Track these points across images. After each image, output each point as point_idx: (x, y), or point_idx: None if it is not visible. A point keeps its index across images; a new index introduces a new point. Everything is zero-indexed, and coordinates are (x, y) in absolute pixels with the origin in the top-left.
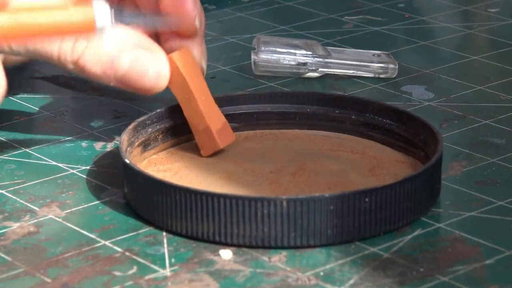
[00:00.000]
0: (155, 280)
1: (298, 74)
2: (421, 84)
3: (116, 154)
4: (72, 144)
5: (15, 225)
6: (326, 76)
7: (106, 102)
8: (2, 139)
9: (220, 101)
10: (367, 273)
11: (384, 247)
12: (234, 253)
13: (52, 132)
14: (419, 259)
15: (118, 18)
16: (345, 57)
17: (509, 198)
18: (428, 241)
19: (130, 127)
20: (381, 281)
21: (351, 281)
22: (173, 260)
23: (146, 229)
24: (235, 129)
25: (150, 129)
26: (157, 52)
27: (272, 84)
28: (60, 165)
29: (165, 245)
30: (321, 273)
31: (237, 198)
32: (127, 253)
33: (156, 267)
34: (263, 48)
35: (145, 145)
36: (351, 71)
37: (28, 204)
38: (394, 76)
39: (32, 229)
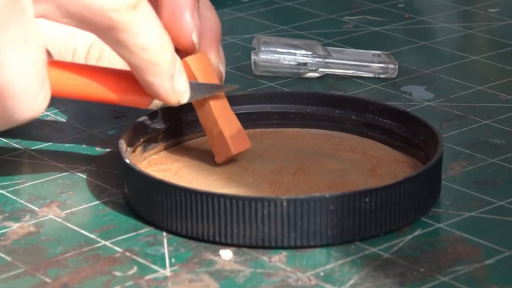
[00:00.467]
0: (155, 280)
1: (298, 74)
2: (421, 84)
3: (116, 154)
4: (72, 144)
5: (15, 225)
6: (326, 76)
7: None
8: (2, 139)
9: None
10: (367, 273)
11: (384, 247)
12: (234, 253)
13: (52, 132)
14: (419, 259)
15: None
16: (345, 57)
17: (509, 198)
18: (428, 241)
19: (130, 127)
20: (381, 281)
21: (351, 281)
22: (173, 260)
23: (146, 229)
24: None
25: (150, 129)
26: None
27: (272, 84)
28: (60, 165)
29: (165, 245)
30: (321, 273)
31: (237, 198)
32: (127, 253)
33: (156, 267)
34: (263, 48)
35: (145, 145)
36: (351, 71)
37: (28, 204)
38: (394, 76)
39: (32, 229)
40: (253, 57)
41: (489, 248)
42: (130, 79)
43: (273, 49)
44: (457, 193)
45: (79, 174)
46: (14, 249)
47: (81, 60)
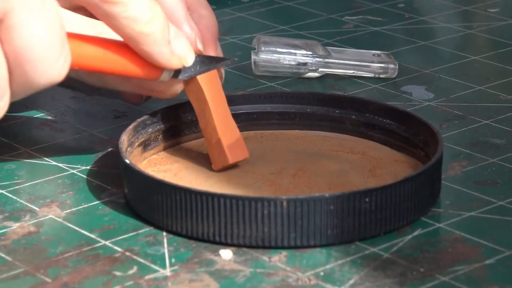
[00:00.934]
0: (155, 280)
1: (298, 74)
2: (421, 84)
3: (116, 154)
4: (72, 144)
5: (15, 225)
6: (326, 76)
7: (106, 102)
8: (2, 139)
9: None
10: (367, 273)
11: (384, 247)
12: (234, 253)
13: (52, 132)
14: (419, 259)
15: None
16: (345, 57)
17: (509, 198)
18: (428, 241)
19: (130, 127)
20: (381, 281)
21: (351, 281)
22: (173, 260)
23: (146, 229)
24: None
25: (150, 129)
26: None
27: (272, 84)
28: (60, 165)
29: (165, 245)
30: (321, 273)
31: (237, 198)
32: (127, 253)
33: (156, 267)
34: (263, 48)
35: (145, 145)
36: (351, 71)
37: (28, 204)
38: (394, 76)
39: (32, 229)
40: (253, 57)
41: (489, 248)
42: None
43: (273, 49)
44: (457, 193)
45: (79, 174)
46: (14, 249)
47: None
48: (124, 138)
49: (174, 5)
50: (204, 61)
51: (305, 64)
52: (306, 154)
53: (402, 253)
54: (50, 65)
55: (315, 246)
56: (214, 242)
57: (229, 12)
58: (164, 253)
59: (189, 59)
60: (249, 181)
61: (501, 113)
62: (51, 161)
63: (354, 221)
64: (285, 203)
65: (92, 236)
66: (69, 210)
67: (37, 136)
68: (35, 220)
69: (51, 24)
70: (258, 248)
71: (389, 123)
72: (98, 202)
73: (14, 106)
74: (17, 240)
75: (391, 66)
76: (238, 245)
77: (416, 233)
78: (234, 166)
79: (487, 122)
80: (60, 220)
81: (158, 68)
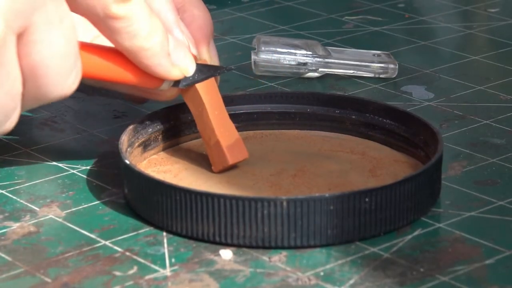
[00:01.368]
0: (155, 280)
1: (298, 74)
2: (421, 84)
3: (116, 154)
4: (72, 144)
5: (15, 225)
6: (326, 76)
7: (106, 102)
8: (2, 139)
9: None
10: (367, 273)
11: (384, 247)
12: (234, 253)
13: (52, 132)
14: (419, 259)
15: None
16: (345, 57)
17: (509, 198)
18: (428, 241)
19: (130, 127)
20: (381, 281)
21: (351, 281)
22: (173, 260)
23: (146, 229)
24: None
25: (150, 129)
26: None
27: (272, 84)
28: (60, 165)
29: (165, 245)
30: (321, 273)
31: (237, 199)
32: (127, 253)
33: (156, 267)
34: (263, 48)
35: (145, 146)
36: (351, 71)
37: (28, 204)
38: (394, 76)
39: (32, 229)
40: (253, 57)
41: (489, 248)
42: None
43: (273, 49)
44: (457, 193)
45: (79, 174)
46: (14, 249)
47: None
48: (124, 138)
49: (163, 9)
50: (202, 70)
51: (305, 64)
52: (306, 154)
53: (402, 253)
54: (63, 79)
55: (315, 246)
56: (214, 242)
57: (229, 12)
58: (164, 253)
59: (190, 69)
60: (249, 182)
61: (501, 113)
62: (51, 161)
63: (354, 221)
64: (285, 203)
65: (92, 236)
66: (69, 210)
67: (37, 136)
68: (35, 220)
69: (68, 39)
70: (258, 248)
71: (389, 123)
72: (98, 202)
73: None
74: (17, 240)
75: (391, 66)
76: (238, 245)
77: (416, 233)
78: (234, 167)
79: (487, 122)
80: (60, 220)
81: (159, 78)
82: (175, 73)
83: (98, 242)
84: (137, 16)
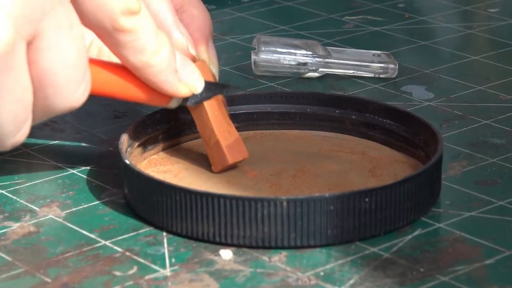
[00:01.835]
0: (155, 280)
1: (298, 74)
2: (421, 84)
3: (116, 154)
4: (72, 144)
5: (15, 225)
6: (326, 76)
7: (106, 102)
8: None
9: None
10: (367, 273)
11: (384, 247)
12: (234, 253)
13: (52, 132)
14: (419, 259)
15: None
16: (345, 57)
17: (509, 198)
18: (428, 241)
19: (130, 127)
20: (381, 281)
21: (351, 281)
22: (173, 260)
23: (146, 229)
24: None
25: (150, 129)
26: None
27: (272, 84)
28: (60, 165)
29: (165, 245)
30: (321, 273)
31: (237, 199)
32: (127, 253)
33: (156, 267)
34: (263, 48)
35: (145, 146)
36: (351, 71)
37: (28, 204)
38: (394, 76)
39: (32, 229)
40: (253, 57)
41: (489, 248)
42: None
43: (273, 49)
44: (457, 193)
45: (79, 174)
46: (14, 249)
47: None
48: (124, 138)
49: (162, 10)
50: (210, 87)
51: (305, 64)
52: (306, 155)
53: (402, 253)
54: (72, 90)
55: (315, 246)
56: (214, 242)
57: (229, 12)
58: (164, 253)
59: (198, 87)
60: (249, 183)
61: (501, 113)
62: (51, 161)
63: (354, 221)
64: (285, 203)
65: (92, 236)
66: (69, 210)
67: (37, 136)
68: (35, 220)
69: (78, 48)
70: (258, 248)
71: (389, 123)
72: (98, 202)
73: None
74: (17, 240)
75: (391, 66)
76: (238, 245)
77: (416, 233)
78: (234, 167)
79: (487, 122)
80: (60, 220)
81: (167, 95)
82: (183, 90)
83: (98, 242)
84: (144, 31)
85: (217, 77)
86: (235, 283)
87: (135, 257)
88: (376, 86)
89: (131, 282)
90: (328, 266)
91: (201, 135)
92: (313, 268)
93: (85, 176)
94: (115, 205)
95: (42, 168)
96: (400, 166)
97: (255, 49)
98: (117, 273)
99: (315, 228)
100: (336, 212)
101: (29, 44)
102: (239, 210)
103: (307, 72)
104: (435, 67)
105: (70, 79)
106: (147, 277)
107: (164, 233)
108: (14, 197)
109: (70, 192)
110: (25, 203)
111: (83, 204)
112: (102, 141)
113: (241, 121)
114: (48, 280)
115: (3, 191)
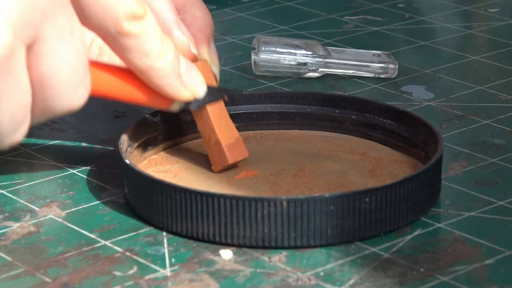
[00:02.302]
0: (155, 280)
1: (298, 74)
2: (421, 84)
3: (116, 154)
4: (72, 144)
5: (15, 225)
6: (326, 76)
7: (106, 102)
8: None
9: None
10: (367, 273)
11: (384, 247)
12: (234, 253)
13: (52, 132)
14: (419, 259)
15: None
16: (345, 57)
17: (509, 198)
18: (428, 241)
19: (130, 127)
20: (381, 281)
21: (351, 281)
22: (173, 260)
23: (146, 229)
24: None
25: (150, 129)
26: None
27: (272, 84)
28: (60, 165)
29: (165, 245)
30: (321, 273)
31: (237, 199)
32: (127, 253)
33: (156, 267)
34: (263, 48)
35: (145, 145)
36: (351, 71)
37: (28, 204)
38: (394, 76)
39: (32, 229)
40: (253, 57)
41: (489, 248)
42: None
43: (273, 49)
44: (457, 193)
45: (79, 174)
46: (14, 249)
47: None
48: (124, 138)
49: (163, 9)
50: (213, 91)
51: (305, 64)
52: (306, 155)
53: (402, 253)
54: (72, 92)
55: (315, 246)
56: (214, 242)
57: (229, 12)
58: (164, 253)
59: (200, 92)
60: (249, 182)
61: (501, 113)
62: (51, 161)
63: (354, 221)
64: (285, 203)
65: (92, 236)
66: (69, 210)
67: (37, 136)
68: (35, 220)
69: (78, 52)
70: (258, 248)
71: (389, 123)
72: (98, 202)
73: None
74: (17, 240)
75: (391, 66)
76: (238, 245)
77: (416, 233)
78: (234, 166)
79: (487, 122)
80: (60, 220)
81: (169, 99)
82: (186, 94)
83: (98, 242)
84: (149, 35)
85: (218, 77)
86: (235, 283)
87: (135, 257)
88: (376, 86)
89: (131, 282)
90: (328, 266)
91: (201, 135)
92: (313, 268)
93: (85, 176)
94: (115, 205)
95: (42, 168)
96: (400, 166)
97: (255, 49)
98: (117, 273)
99: (315, 228)
100: (336, 212)
101: (29, 48)
102: (239, 210)
103: (307, 72)
104: (435, 67)
105: (70, 82)
106: (147, 277)
107: (164, 233)
108: (14, 197)
109: (70, 192)
110: (25, 203)
111: (83, 204)
112: (102, 141)
113: (241, 121)
114: (48, 280)
115: (3, 191)
